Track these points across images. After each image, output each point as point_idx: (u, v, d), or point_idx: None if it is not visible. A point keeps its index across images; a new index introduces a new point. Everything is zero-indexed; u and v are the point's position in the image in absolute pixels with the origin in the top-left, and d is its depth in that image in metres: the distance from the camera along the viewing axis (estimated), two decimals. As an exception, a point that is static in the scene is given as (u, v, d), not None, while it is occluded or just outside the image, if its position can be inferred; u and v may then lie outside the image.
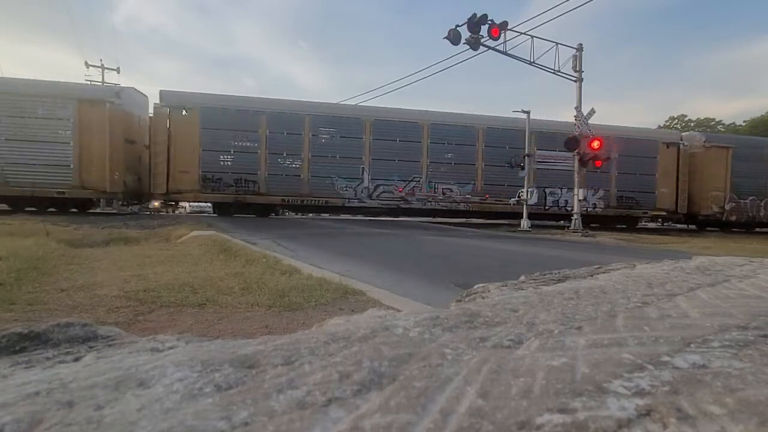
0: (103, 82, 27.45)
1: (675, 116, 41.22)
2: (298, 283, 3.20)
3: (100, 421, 0.52)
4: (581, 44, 14.05)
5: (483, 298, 1.37)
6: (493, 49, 13.05)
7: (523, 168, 15.47)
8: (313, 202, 15.62)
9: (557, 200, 17.35)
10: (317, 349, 0.77)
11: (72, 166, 13.78)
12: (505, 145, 16.60)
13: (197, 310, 2.56)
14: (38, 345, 0.85)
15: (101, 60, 31.53)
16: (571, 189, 16.05)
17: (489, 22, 12.37)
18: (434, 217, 17.02)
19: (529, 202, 15.30)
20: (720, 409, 0.55)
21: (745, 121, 36.93)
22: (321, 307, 2.67)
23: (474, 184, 16.62)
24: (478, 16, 12.25)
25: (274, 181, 15.26)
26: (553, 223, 17.09)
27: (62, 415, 0.54)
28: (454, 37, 12.39)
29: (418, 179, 16.20)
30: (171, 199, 15.83)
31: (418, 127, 16.16)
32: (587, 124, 13.77)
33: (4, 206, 13.97)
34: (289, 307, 2.66)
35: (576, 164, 13.86)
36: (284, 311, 2.58)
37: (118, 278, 3.38)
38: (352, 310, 2.46)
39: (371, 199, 15.94)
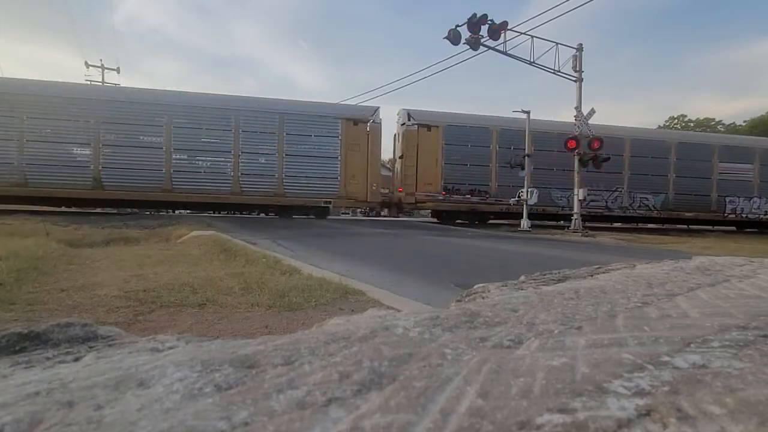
0: (103, 82, 27.43)
1: (675, 116, 41.32)
2: (298, 283, 3.20)
3: (100, 421, 0.52)
4: (581, 44, 14.05)
5: (483, 298, 1.37)
6: (493, 49, 13.06)
7: (523, 168, 15.48)
8: (534, 210, 16.86)
9: (735, 208, 18.98)
10: (317, 349, 0.77)
11: (339, 178, 15.82)
12: (696, 159, 18.42)
13: (197, 310, 2.56)
14: (38, 345, 0.85)
15: (101, 60, 31.56)
16: (748, 197, 18.58)
17: (489, 22, 12.38)
18: (626, 223, 18.76)
19: (530, 202, 15.29)
20: (720, 409, 0.55)
21: (745, 121, 36.96)
22: (321, 307, 2.67)
23: (666, 194, 18.30)
24: (478, 16, 12.26)
25: (502, 192, 16.88)
26: (553, 222, 17.31)
27: (62, 415, 0.54)
28: (454, 37, 12.40)
29: (620, 189, 17.92)
30: (417, 207, 17.86)
31: (621, 142, 17.81)
32: (587, 124, 13.76)
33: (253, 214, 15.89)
34: (289, 307, 2.66)
35: (576, 164, 13.85)
36: (284, 311, 2.58)
37: (118, 278, 3.38)
38: (352, 310, 2.46)
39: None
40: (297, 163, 15.49)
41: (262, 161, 15.29)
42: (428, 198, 16.70)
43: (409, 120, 16.68)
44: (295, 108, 15.71)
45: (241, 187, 15.13)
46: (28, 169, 13.76)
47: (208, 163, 14.97)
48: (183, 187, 14.78)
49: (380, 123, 16.35)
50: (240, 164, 15.14)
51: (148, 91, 15.38)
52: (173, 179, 14.71)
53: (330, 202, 15.81)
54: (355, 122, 15.89)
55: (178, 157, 14.73)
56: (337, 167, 15.77)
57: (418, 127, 16.57)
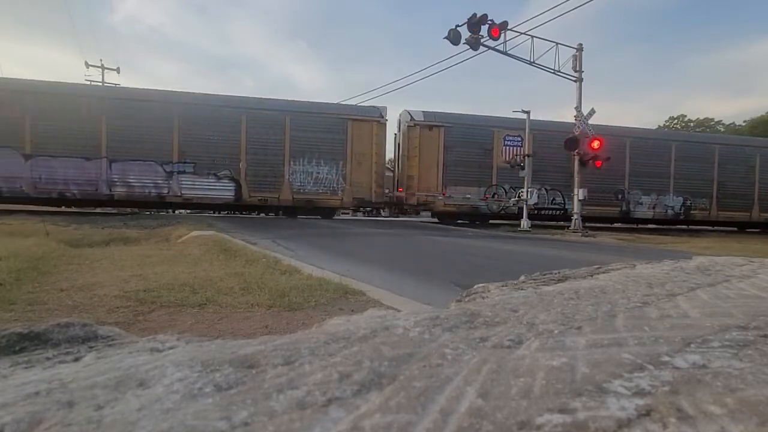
0: (103, 82, 27.41)
1: (675, 116, 41.28)
2: (298, 283, 3.20)
3: (100, 421, 0.52)
4: (581, 44, 14.04)
5: (483, 298, 1.37)
6: (493, 49, 13.05)
7: (523, 168, 15.48)
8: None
9: None
10: (317, 349, 0.77)
11: None
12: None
13: (197, 310, 2.56)
14: (38, 345, 0.85)
15: (101, 60, 31.52)
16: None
17: (489, 22, 12.37)
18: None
19: (530, 203, 15.29)
20: (720, 409, 0.55)
21: (745, 121, 36.93)
22: (321, 307, 2.67)
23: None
24: (478, 16, 12.25)
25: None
26: (552, 223, 17.31)
27: (62, 415, 0.54)
28: (454, 37, 12.39)
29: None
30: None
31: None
32: (587, 124, 13.76)
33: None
34: (289, 307, 2.66)
35: (576, 164, 13.85)
36: (284, 311, 2.58)
37: (117, 278, 3.38)
38: (352, 310, 2.46)
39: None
40: None
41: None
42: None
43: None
44: None
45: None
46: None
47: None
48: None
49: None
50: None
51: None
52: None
53: None
54: None
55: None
56: None
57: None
